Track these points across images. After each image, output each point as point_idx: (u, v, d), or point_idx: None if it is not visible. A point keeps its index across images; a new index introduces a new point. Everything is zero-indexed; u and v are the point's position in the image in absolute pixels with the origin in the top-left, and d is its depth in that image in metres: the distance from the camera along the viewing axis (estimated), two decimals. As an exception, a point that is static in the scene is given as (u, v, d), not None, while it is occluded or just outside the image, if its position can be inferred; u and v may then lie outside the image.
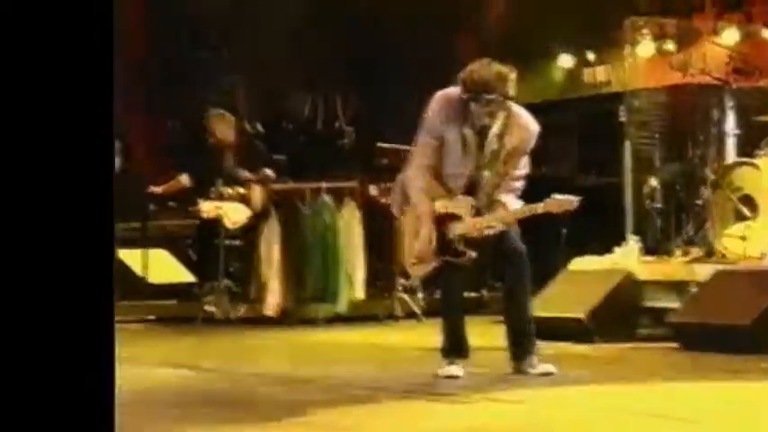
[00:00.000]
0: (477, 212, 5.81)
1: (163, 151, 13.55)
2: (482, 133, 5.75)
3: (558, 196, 5.70)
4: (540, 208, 5.71)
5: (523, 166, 5.89)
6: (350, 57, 13.78)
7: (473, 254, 5.79)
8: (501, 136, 5.75)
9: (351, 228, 9.83)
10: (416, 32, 12.82)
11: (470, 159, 5.79)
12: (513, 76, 5.70)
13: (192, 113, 12.46)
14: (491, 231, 5.75)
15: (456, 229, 5.80)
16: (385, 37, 13.16)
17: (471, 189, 5.84)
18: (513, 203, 5.81)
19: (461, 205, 5.82)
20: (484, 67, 5.67)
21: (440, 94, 5.86)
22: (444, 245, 5.83)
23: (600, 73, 10.44)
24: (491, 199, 5.81)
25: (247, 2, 13.63)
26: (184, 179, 10.22)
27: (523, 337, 5.88)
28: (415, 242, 5.90)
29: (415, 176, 5.91)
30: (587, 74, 10.61)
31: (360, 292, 9.84)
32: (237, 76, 13.84)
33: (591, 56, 12.06)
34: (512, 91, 5.69)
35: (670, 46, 9.56)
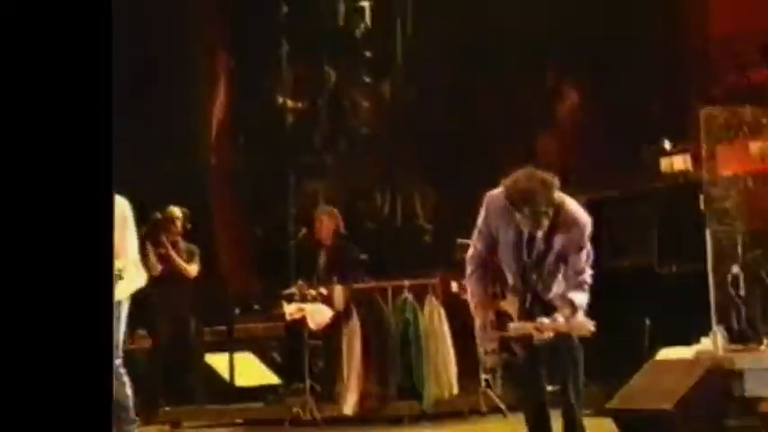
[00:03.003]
0: (527, 313, 5.78)
1: (247, 257, 13.76)
2: (530, 237, 5.74)
3: (581, 319, 5.60)
4: (561, 327, 5.61)
5: (585, 260, 5.79)
6: (431, 157, 13.93)
7: (523, 353, 5.78)
8: (547, 238, 5.71)
9: (435, 324, 9.84)
10: (494, 127, 12.95)
11: (518, 261, 5.78)
12: (556, 182, 5.67)
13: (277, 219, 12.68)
14: (540, 336, 5.68)
15: (511, 328, 5.79)
16: (466, 137, 13.30)
17: (522, 290, 5.82)
18: (580, 298, 5.71)
19: (511, 304, 5.82)
20: (527, 178, 5.62)
21: (489, 195, 5.87)
22: (502, 342, 5.83)
23: (677, 162, 10.41)
24: (556, 297, 5.77)
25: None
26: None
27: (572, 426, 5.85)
28: (485, 336, 5.93)
29: (471, 282, 5.97)
30: (665, 163, 10.59)
31: (454, 388, 9.80)
32: (319, 181, 14.05)
33: (668, 145, 12.04)
34: (556, 198, 5.66)
35: (746, 133, 9.53)
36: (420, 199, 14.47)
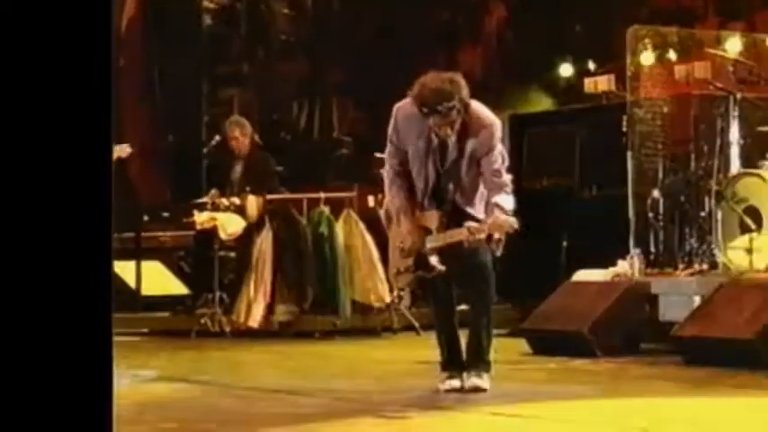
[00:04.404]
0: (447, 225, 5.78)
1: (158, 162, 13.60)
2: (441, 145, 5.76)
3: (501, 216, 5.61)
4: (484, 230, 5.62)
5: (498, 162, 5.79)
6: (348, 66, 13.85)
7: (442, 268, 5.77)
8: (459, 143, 5.74)
9: (352, 237, 9.83)
10: (417, 43, 12.89)
11: (431, 172, 5.80)
12: (464, 81, 5.72)
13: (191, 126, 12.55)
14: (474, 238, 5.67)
15: (427, 243, 5.81)
16: (384, 47, 13.23)
17: (439, 200, 5.85)
18: (504, 200, 5.71)
19: (431, 218, 5.83)
20: (435, 78, 5.67)
21: (397, 107, 5.88)
22: (418, 258, 5.84)
23: (601, 83, 10.46)
24: (481, 207, 5.81)
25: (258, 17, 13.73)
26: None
27: (472, 349, 5.91)
28: (398, 255, 5.95)
29: (387, 187, 5.97)
30: (588, 83, 10.64)
31: (386, 296, 9.80)
32: (235, 89, 13.90)
33: (592, 65, 12.10)
34: (467, 94, 5.70)
35: (672, 56, 9.60)
36: (338, 111, 14.42)
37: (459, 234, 5.69)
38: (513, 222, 5.59)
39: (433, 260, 5.77)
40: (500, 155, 5.82)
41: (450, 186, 5.79)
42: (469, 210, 5.82)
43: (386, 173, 6.00)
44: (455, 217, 5.80)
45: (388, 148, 5.96)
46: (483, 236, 5.64)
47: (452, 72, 5.82)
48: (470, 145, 5.75)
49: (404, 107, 5.84)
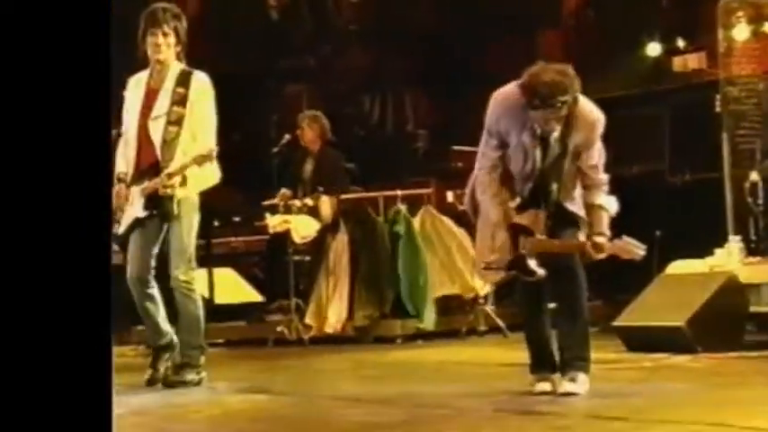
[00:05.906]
0: (551, 227, 5.75)
1: (224, 165, 13.68)
2: (544, 139, 5.67)
3: (628, 239, 5.59)
4: (606, 249, 5.60)
5: (595, 157, 5.73)
6: (422, 57, 13.82)
7: (543, 272, 5.71)
8: (562, 139, 5.65)
9: (434, 234, 9.79)
10: (494, 30, 12.83)
11: (533, 167, 5.72)
12: (573, 71, 5.59)
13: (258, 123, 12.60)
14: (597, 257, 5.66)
15: (527, 245, 5.73)
16: (456, 33, 13.18)
17: (539, 197, 5.78)
18: (610, 203, 5.70)
19: (533, 219, 5.76)
20: (548, 70, 5.53)
21: (498, 95, 5.76)
22: (515, 259, 5.78)
23: (692, 60, 10.37)
24: (580, 206, 5.77)
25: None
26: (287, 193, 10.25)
27: (562, 351, 5.87)
28: (487, 248, 5.89)
29: (481, 180, 5.86)
30: (678, 62, 10.54)
31: (485, 285, 9.73)
32: (303, 84, 13.93)
33: (681, 42, 11.97)
34: (579, 87, 5.59)
35: (767, 29, 9.48)
36: (411, 103, 14.41)
37: (572, 246, 5.69)
38: (642, 252, 5.57)
39: (533, 264, 5.71)
40: (598, 151, 5.76)
41: (554, 186, 5.72)
42: (571, 207, 5.77)
43: (482, 173, 5.84)
44: (557, 216, 5.75)
45: (487, 140, 5.81)
46: (602, 256, 5.61)
47: (563, 64, 5.64)
48: (573, 141, 5.66)
49: (506, 95, 5.71)
